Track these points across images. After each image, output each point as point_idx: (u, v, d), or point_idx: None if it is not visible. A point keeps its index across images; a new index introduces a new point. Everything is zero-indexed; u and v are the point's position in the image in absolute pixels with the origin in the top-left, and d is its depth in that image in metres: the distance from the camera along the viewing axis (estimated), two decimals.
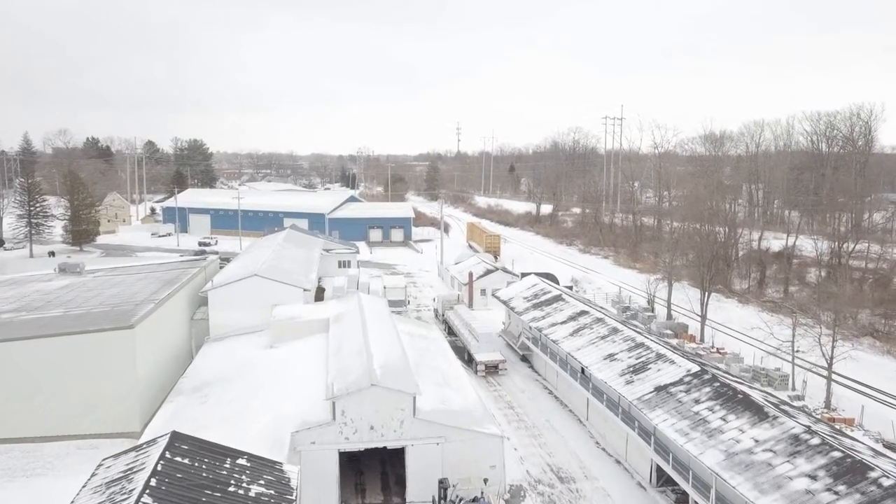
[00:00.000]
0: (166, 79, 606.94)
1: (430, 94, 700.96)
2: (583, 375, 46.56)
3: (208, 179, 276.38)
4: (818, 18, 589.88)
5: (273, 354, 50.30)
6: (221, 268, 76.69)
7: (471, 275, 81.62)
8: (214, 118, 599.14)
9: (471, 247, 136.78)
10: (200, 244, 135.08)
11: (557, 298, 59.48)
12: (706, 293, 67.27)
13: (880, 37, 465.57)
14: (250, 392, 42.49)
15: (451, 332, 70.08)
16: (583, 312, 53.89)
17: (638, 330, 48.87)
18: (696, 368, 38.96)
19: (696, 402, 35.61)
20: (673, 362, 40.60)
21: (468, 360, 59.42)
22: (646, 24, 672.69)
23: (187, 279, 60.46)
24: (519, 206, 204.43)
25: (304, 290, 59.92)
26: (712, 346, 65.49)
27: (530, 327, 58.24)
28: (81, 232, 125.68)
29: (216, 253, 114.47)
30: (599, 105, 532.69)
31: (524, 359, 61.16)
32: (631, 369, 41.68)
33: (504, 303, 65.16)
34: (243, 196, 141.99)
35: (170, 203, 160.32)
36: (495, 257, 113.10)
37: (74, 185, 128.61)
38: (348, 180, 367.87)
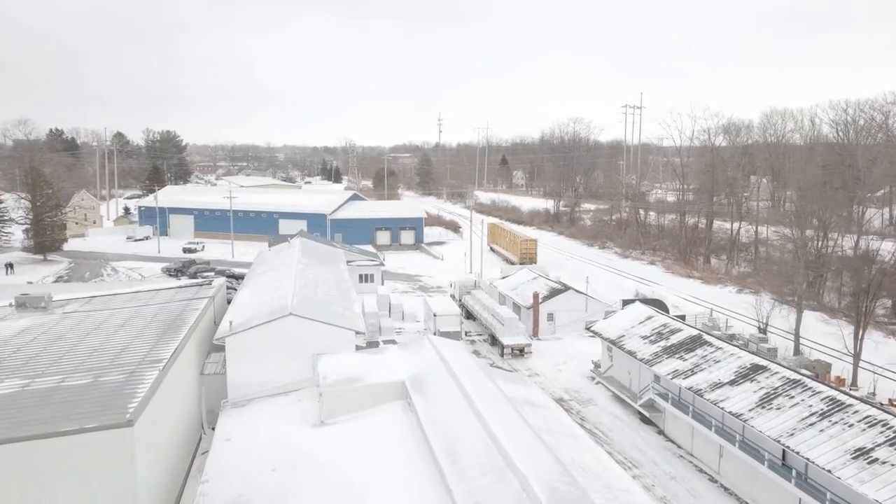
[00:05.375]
0: (138, 73, 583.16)
1: (407, 87, 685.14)
2: (790, 470, 31.94)
3: (182, 173, 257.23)
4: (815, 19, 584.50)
5: (330, 441, 34.61)
6: (230, 290, 60.70)
7: (536, 295, 66.30)
8: (186, 111, 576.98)
9: (493, 250, 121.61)
10: (185, 250, 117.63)
11: (698, 341, 44.40)
12: (862, 326, 52.51)
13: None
14: None
15: (468, 315, 72.30)
16: (757, 367, 38.87)
17: (876, 403, 34.06)
18: None
19: None
20: None
21: (493, 342, 63.38)
22: (650, 26, 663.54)
23: (195, 320, 44.30)
24: (526, 202, 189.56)
25: (357, 332, 44.20)
26: (872, 393, 51.29)
27: (657, 377, 43.54)
28: (46, 240, 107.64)
29: (208, 264, 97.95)
30: (602, 101, 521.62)
31: (645, 420, 46.14)
32: None
33: (611, 342, 49.76)
34: (231, 194, 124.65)
35: (147, 202, 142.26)
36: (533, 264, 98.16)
37: (37, 184, 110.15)
38: (330, 173, 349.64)
